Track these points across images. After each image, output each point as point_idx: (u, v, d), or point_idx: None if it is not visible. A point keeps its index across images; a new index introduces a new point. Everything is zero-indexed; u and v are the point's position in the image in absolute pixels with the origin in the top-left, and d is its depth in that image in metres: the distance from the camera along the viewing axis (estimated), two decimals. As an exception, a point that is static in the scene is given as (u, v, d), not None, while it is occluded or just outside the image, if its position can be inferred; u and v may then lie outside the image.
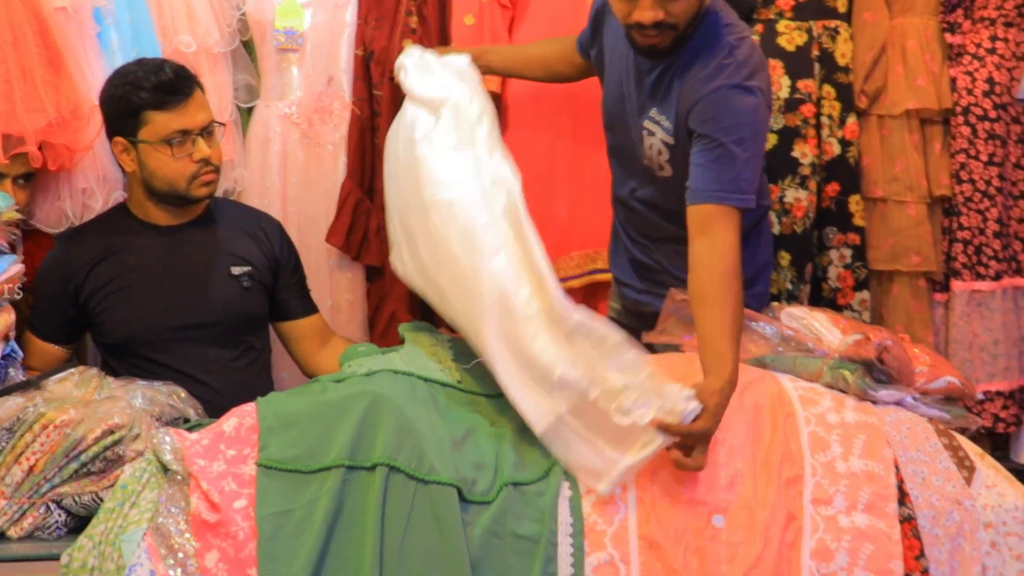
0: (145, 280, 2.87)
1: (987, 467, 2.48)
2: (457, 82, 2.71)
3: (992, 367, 3.56)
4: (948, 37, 3.56)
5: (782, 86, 3.38)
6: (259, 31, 3.31)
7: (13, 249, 2.72)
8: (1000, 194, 3.53)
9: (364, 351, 2.69)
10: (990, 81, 3.50)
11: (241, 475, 2.25)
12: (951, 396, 2.64)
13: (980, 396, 3.50)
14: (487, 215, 2.51)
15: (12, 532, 2.36)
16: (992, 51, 3.52)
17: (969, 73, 3.53)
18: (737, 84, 2.57)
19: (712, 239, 2.48)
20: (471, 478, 2.28)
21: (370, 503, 2.21)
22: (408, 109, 2.73)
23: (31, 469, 2.35)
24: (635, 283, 3.00)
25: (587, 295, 3.44)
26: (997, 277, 3.56)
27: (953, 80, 3.55)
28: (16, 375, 2.61)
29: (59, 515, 2.38)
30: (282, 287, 3.03)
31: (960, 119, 3.53)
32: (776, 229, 3.35)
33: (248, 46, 3.34)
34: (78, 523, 2.36)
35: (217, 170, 2.88)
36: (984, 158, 3.51)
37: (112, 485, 2.32)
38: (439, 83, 2.71)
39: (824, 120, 3.44)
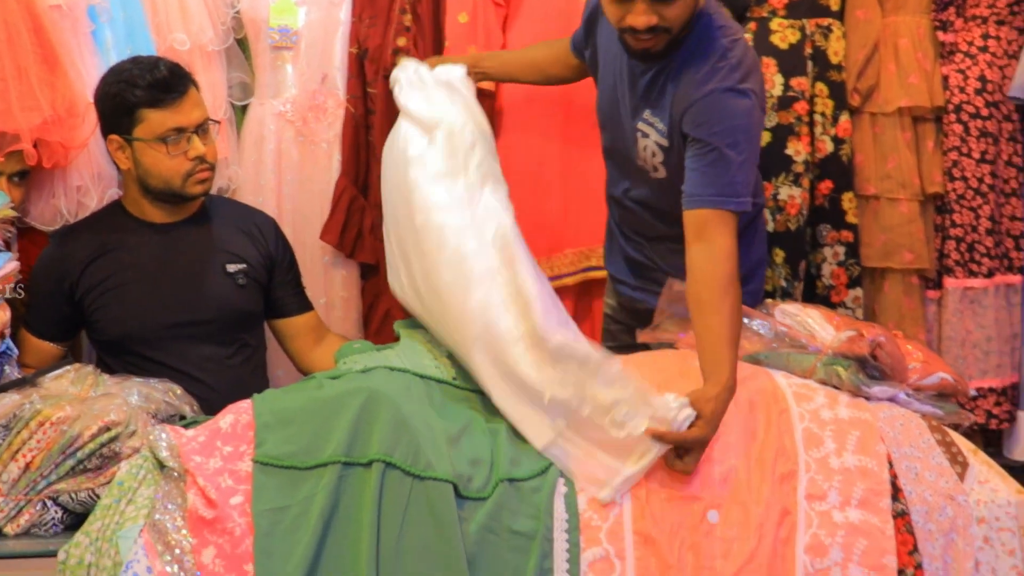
0: (140, 278, 2.87)
1: (980, 463, 2.49)
2: (451, 105, 2.73)
3: (985, 364, 3.57)
4: (940, 35, 3.57)
5: (775, 84, 3.39)
6: (253, 29, 3.32)
7: (8, 247, 2.72)
8: (992, 191, 3.54)
9: (359, 348, 2.70)
10: (982, 79, 3.52)
11: (237, 471, 2.25)
12: (944, 392, 2.65)
13: (973, 393, 3.51)
14: (476, 242, 2.53)
15: (9, 529, 2.36)
16: (984, 49, 3.53)
17: (961, 71, 3.54)
18: (730, 87, 2.57)
19: (709, 245, 2.49)
20: (467, 474, 2.28)
21: (366, 499, 2.22)
22: (402, 126, 2.74)
23: (28, 466, 2.35)
24: (630, 280, 3.01)
25: (581, 292, 3.45)
26: (990, 274, 3.57)
27: (945, 78, 3.56)
28: (12, 373, 2.61)
29: (56, 512, 2.37)
30: (277, 284, 3.03)
31: (952, 117, 3.54)
32: (770, 226, 3.36)
33: (242, 44, 3.34)
34: (75, 520, 2.36)
35: (212, 168, 2.88)
36: (976, 156, 3.52)
37: (109, 482, 2.32)
38: (433, 104, 2.73)
39: (817, 118, 3.45)
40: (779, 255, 3.41)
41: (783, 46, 3.41)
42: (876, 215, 3.56)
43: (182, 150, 2.81)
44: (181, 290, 2.89)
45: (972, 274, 3.57)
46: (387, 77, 3.23)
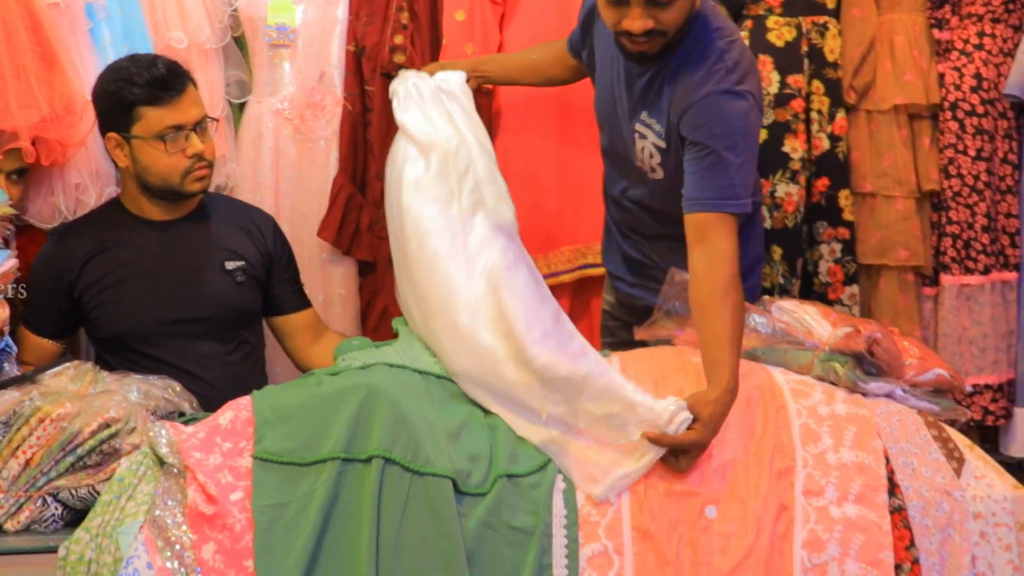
0: (139, 275, 2.87)
1: (976, 458, 2.49)
2: (447, 124, 2.72)
3: (981, 360, 3.58)
4: (936, 33, 3.58)
5: (772, 81, 3.40)
6: (251, 27, 3.32)
7: (7, 244, 2.72)
8: (988, 189, 3.55)
9: (358, 345, 2.70)
10: (978, 77, 3.53)
11: (237, 468, 2.26)
12: (940, 388, 2.65)
13: (969, 389, 3.53)
14: (464, 272, 2.53)
15: (9, 525, 2.36)
16: (980, 47, 3.54)
17: (957, 69, 3.55)
18: (727, 89, 2.57)
19: (710, 248, 2.49)
20: (466, 470, 2.29)
21: (366, 495, 2.22)
22: (400, 143, 2.75)
23: (27, 463, 2.35)
24: (628, 277, 3.01)
25: (578, 289, 3.45)
26: (986, 271, 3.58)
27: (941, 76, 3.57)
28: (11, 370, 2.61)
29: (56, 508, 2.38)
30: (275, 282, 3.04)
31: (948, 114, 3.55)
32: (767, 224, 3.37)
33: (240, 42, 3.34)
34: (75, 516, 2.36)
35: (210, 165, 2.88)
36: (972, 153, 3.53)
37: (109, 478, 2.32)
38: (430, 121, 2.72)
39: (813, 115, 3.46)
40: (776, 252, 3.42)
41: (779, 44, 3.42)
42: (872, 212, 3.57)
43: (180, 148, 2.81)
44: (180, 287, 2.89)
45: (968, 271, 3.58)
46: (385, 75, 3.24)
